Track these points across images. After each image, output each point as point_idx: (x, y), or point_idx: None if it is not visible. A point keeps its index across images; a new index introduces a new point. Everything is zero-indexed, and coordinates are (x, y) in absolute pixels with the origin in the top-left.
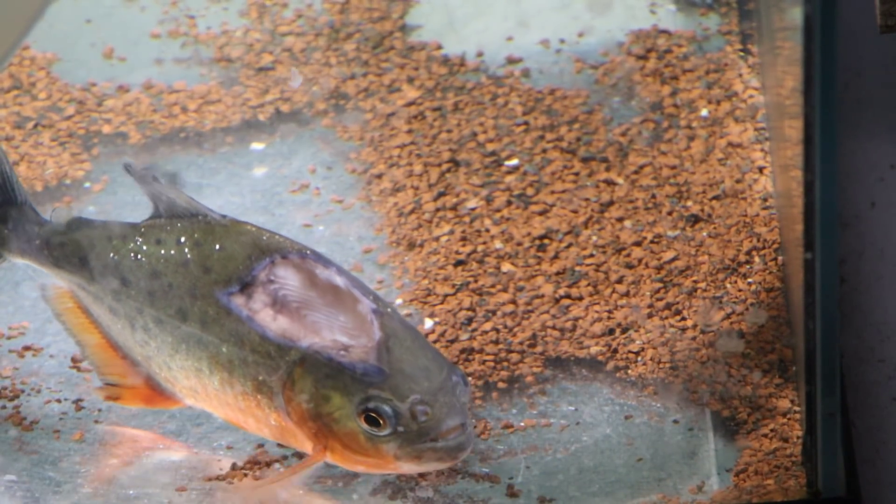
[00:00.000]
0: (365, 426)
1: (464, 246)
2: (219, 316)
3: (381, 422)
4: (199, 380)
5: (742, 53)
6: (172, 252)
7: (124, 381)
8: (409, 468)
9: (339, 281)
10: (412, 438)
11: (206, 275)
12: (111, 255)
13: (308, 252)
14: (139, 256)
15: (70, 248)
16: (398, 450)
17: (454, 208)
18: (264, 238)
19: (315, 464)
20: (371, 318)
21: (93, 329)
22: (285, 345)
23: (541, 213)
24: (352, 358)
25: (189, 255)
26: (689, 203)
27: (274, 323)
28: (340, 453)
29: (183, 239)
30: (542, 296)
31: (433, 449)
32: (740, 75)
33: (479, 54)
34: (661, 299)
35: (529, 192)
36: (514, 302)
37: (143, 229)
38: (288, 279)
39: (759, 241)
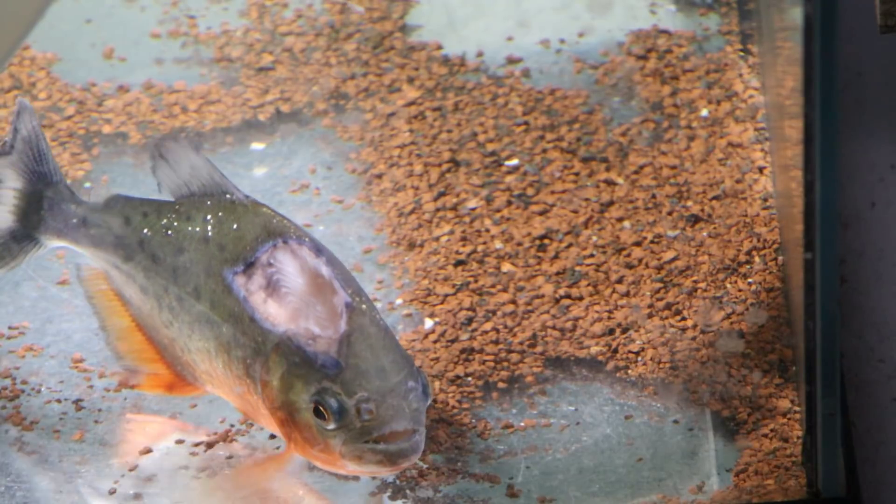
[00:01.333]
0: (314, 418)
1: (464, 246)
2: (223, 295)
3: (327, 415)
4: (210, 363)
5: (742, 53)
6: (198, 229)
7: (149, 367)
8: (353, 468)
9: (325, 271)
10: (355, 436)
11: (220, 252)
12: (145, 230)
13: (307, 239)
14: (169, 232)
15: (107, 226)
16: (343, 446)
17: (454, 208)
18: (274, 221)
19: (287, 459)
20: (342, 311)
21: (123, 312)
22: (267, 329)
23: (541, 213)
24: (316, 348)
25: (210, 233)
26: (689, 203)
27: (263, 306)
28: (300, 444)
29: (209, 216)
30: (543, 296)
31: (373, 451)
32: (740, 75)
33: (479, 54)
34: (661, 299)
35: (529, 192)
36: (514, 302)
37: (177, 206)
38: (283, 264)
39: (759, 241)
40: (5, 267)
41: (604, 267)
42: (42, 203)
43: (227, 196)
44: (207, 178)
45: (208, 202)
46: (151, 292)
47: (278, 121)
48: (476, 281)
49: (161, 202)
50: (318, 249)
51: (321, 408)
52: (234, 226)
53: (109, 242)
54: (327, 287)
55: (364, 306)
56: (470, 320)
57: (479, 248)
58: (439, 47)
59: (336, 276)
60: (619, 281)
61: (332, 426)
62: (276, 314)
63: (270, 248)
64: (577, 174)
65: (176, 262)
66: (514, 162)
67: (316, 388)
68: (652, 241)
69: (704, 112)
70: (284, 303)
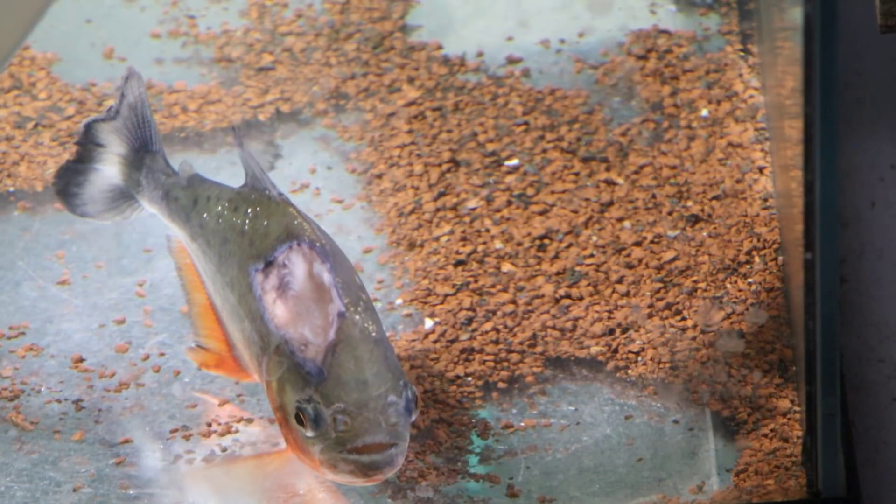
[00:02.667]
0: (295, 424)
1: (464, 246)
2: (247, 290)
3: (306, 423)
4: (243, 354)
5: (742, 53)
6: (239, 221)
7: (216, 347)
8: (330, 475)
9: (326, 278)
10: (330, 446)
11: (250, 248)
12: (205, 215)
13: (318, 245)
14: (220, 220)
15: (181, 203)
16: (320, 454)
17: (454, 208)
18: (295, 222)
19: (282, 458)
20: (333, 320)
21: (202, 288)
22: (271, 329)
23: (541, 213)
24: (306, 355)
25: (247, 227)
26: (689, 203)
27: (272, 306)
28: (292, 446)
29: (249, 210)
30: (543, 296)
31: (345, 461)
32: (740, 75)
33: (479, 54)
34: (661, 299)
35: (529, 192)
36: (514, 302)
37: (233, 195)
38: (295, 266)
39: (759, 241)
40: (112, 218)
41: (604, 267)
42: (141, 169)
43: (267, 192)
44: (251, 172)
45: (253, 196)
46: (209, 276)
47: (278, 121)
48: (476, 281)
49: (225, 188)
50: (326, 255)
51: (301, 415)
52: (265, 223)
53: (182, 220)
54: (325, 294)
55: (357, 317)
56: (470, 320)
57: (480, 248)
58: (439, 47)
59: (336, 284)
60: (619, 281)
61: (311, 434)
62: (280, 316)
63: (287, 249)
64: (577, 174)
65: (221, 250)
66: (514, 162)
67: (300, 395)
68: (652, 241)
69: (704, 112)
70: (288, 306)
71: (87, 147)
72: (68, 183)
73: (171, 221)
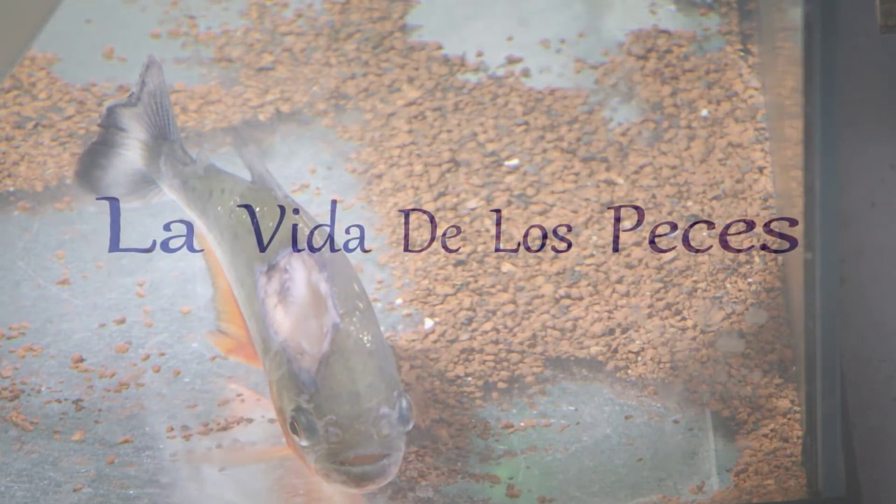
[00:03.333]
0: (290, 431)
1: (464, 246)
2: (253, 291)
3: (300, 432)
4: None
5: (742, 53)
6: (248, 219)
7: (238, 333)
8: (325, 482)
9: (323, 287)
10: (323, 456)
11: (257, 248)
12: (219, 207)
13: (318, 252)
14: (232, 215)
15: (197, 194)
16: (314, 463)
17: (454, 208)
18: (299, 226)
19: (279, 453)
20: (327, 331)
21: (223, 274)
22: (271, 335)
23: (541, 213)
24: (301, 364)
25: (254, 226)
26: (689, 203)
27: (272, 311)
28: (291, 449)
29: (257, 209)
30: (542, 296)
31: (338, 471)
32: (740, 75)
33: (479, 54)
34: (661, 299)
35: (529, 192)
36: (514, 302)
37: (245, 191)
38: (294, 273)
39: (759, 241)
40: (135, 201)
41: (604, 267)
42: (160, 157)
43: (273, 192)
44: (258, 172)
45: (262, 194)
46: (224, 266)
47: (278, 121)
48: (476, 281)
49: (239, 182)
50: (324, 263)
51: (295, 424)
52: (270, 224)
53: (199, 209)
54: (320, 304)
55: (352, 328)
56: (470, 320)
57: (480, 248)
58: (439, 47)
59: (333, 293)
60: (619, 281)
61: (304, 443)
62: (279, 322)
63: (288, 254)
64: (577, 174)
65: (233, 245)
66: (514, 162)
67: (294, 405)
68: (652, 241)
69: (704, 112)
70: (287, 313)
71: (109, 130)
72: (92, 165)
73: (189, 210)
